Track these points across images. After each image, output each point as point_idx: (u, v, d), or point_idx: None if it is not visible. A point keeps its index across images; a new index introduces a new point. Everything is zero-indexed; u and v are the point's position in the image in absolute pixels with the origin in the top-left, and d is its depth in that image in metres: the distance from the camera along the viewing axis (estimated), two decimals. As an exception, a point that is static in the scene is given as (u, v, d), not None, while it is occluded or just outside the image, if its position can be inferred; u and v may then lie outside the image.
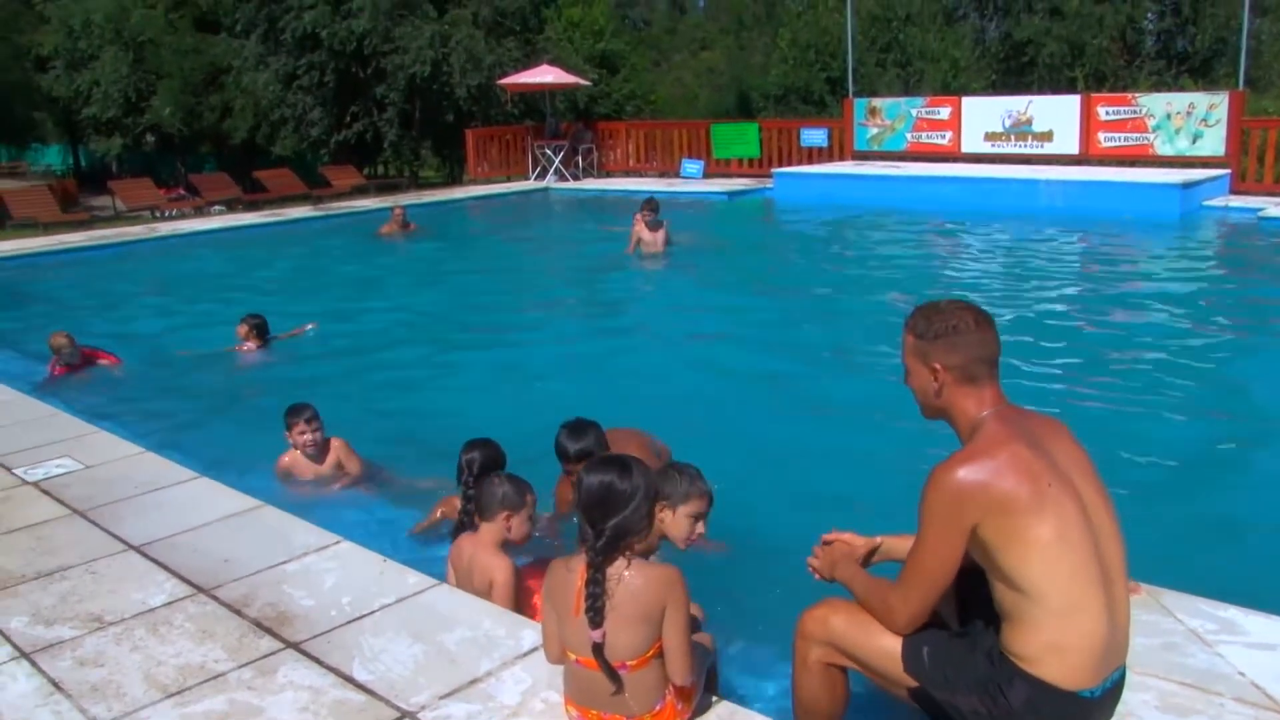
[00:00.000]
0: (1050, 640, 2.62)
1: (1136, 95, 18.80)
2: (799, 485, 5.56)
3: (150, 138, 33.13)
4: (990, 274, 12.37)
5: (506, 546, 3.90)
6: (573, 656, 2.86)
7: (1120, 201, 15.80)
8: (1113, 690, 2.77)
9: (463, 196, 21.87)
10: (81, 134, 37.95)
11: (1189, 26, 27.66)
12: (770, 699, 3.26)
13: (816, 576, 3.11)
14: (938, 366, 2.78)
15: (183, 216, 20.48)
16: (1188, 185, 15.78)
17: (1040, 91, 24.14)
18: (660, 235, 13.05)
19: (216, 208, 21.54)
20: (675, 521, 3.44)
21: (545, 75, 24.03)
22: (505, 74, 25.15)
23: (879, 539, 3.16)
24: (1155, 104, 18.02)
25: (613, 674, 2.80)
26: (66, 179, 34.81)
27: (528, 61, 26.29)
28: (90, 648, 3.58)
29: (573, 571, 2.83)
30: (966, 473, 2.61)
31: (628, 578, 2.78)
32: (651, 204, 13.08)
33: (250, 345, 9.00)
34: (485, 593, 3.81)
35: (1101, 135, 18.39)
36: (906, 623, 2.78)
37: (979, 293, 10.72)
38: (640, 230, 13.07)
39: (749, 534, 4.82)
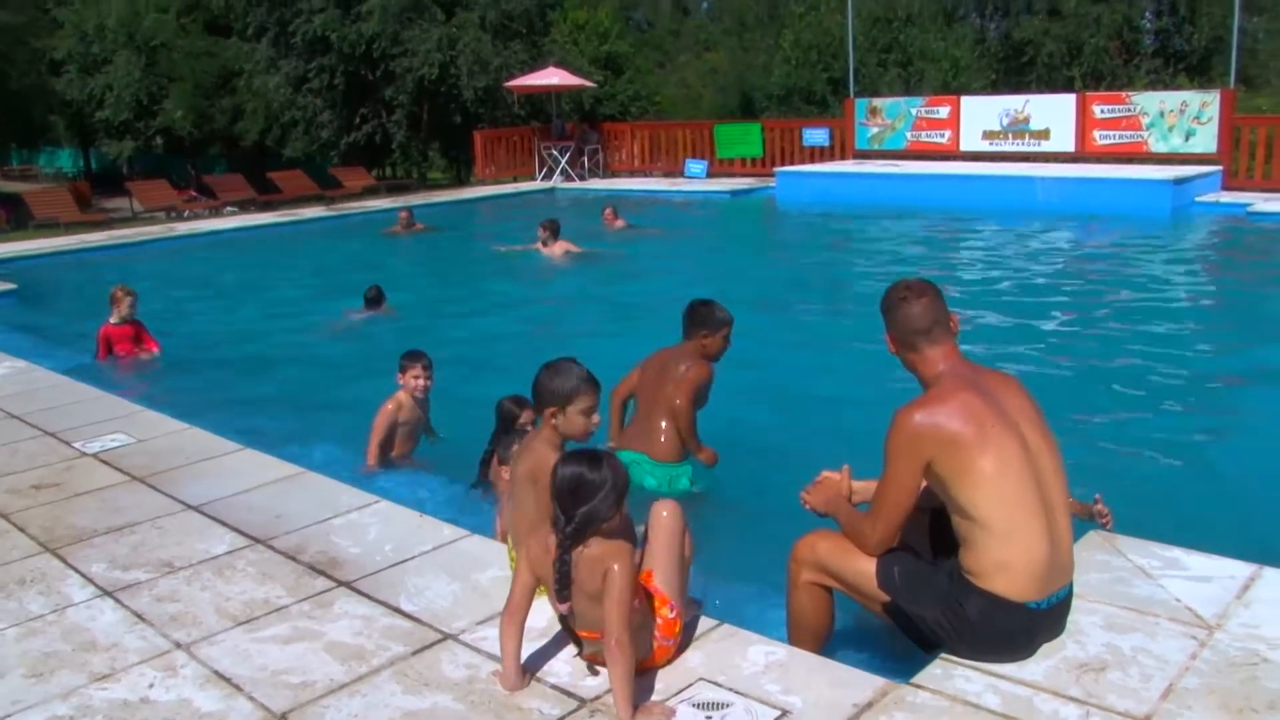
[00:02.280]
0: (998, 559, 3.10)
1: (1130, 94, 19.26)
2: (794, 438, 6.11)
3: (160, 140, 33.65)
4: (986, 267, 12.84)
5: (564, 445, 3.69)
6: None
7: (1114, 198, 16.28)
8: (1059, 606, 3.24)
9: (471, 197, 22.35)
10: (93, 137, 38.44)
11: (1185, 25, 28.10)
12: (767, 621, 3.70)
13: (809, 509, 3.59)
14: (886, 337, 3.36)
15: (197, 217, 20.96)
16: (1179, 181, 16.23)
17: (1039, 90, 24.58)
18: (557, 248, 13.83)
19: (230, 208, 22.01)
20: (570, 420, 3.61)
21: (551, 77, 24.50)
22: (512, 76, 25.61)
23: (859, 483, 3.65)
24: (1149, 102, 18.48)
25: (578, 641, 3.22)
26: (79, 181, 35.27)
27: (534, 64, 26.75)
28: (165, 587, 4.03)
29: (549, 551, 3.14)
30: (921, 416, 3.12)
31: (586, 556, 3.10)
32: (549, 225, 13.94)
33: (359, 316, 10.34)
34: (524, 480, 3.70)
35: (1097, 133, 18.84)
36: (876, 544, 3.28)
37: (975, 285, 11.21)
38: (539, 248, 13.89)
39: (753, 481, 5.49)
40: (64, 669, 3.44)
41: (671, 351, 5.60)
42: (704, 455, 5.56)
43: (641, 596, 3.20)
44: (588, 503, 3.08)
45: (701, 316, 5.53)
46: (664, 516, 3.39)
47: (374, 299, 10.55)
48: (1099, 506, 4.00)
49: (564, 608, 3.15)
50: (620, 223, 16.08)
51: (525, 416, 5.24)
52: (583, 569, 3.10)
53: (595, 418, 3.67)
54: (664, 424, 5.49)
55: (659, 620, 3.26)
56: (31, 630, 3.71)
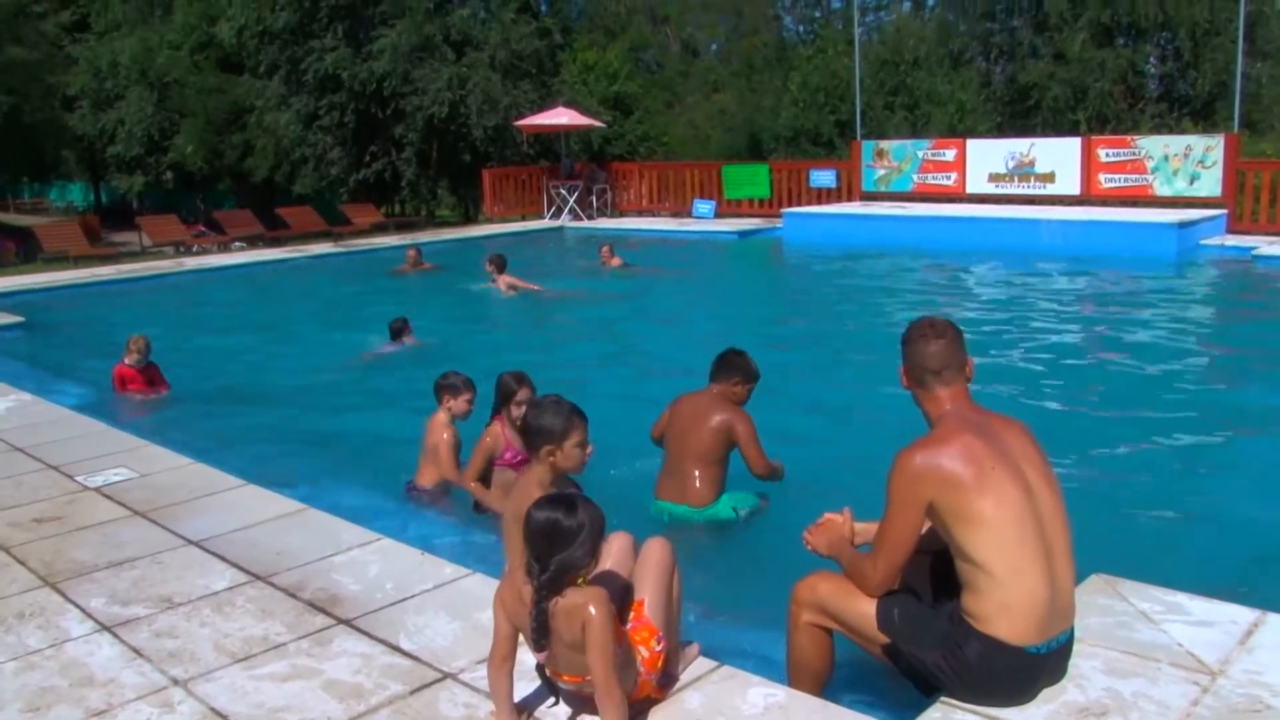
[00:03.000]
0: (999, 602, 3.09)
1: (1135, 138, 19.32)
2: (795, 479, 6.07)
3: (170, 175, 33.89)
4: (991, 309, 12.85)
5: (560, 481, 3.70)
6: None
7: (1119, 241, 16.31)
8: (1060, 651, 3.23)
9: (478, 235, 22.41)
10: (104, 171, 38.73)
11: (1190, 71, 28.21)
12: (767, 663, 3.69)
13: (811, 550, 3.59)
14: (901, 368, 3.36)
15: (206, 252, 21.06)
16: (1184, 225, 16.25)
17: (1044, 134, 24.67)
18: (503, 281, 14.18)
19: (239, 244, 22.10)
20: (566, 455, 3.59)
21: (560, 117, 24.66)
22: (521, 115, 25.77)
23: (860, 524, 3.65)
24: (1154, 146, 18.54)
25: (554, 691, 3.18)
26: (89, 215, 35.51)
27: (543, 103, 26.93)
28: (164, 623, 4.03)
29: (524, 602, 3.07)
30: (922, 457, 3.13)
31: (563, 605, 3.01)
32: (495, 261, 14.37)
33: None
34: (515, 528, 3.63)
35: (1102, 176, 18.89)
36: (877, 585, 3.27)
37: (980, 327, 11.21)
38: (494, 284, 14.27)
39: (753, 522, 5.57)
40: (61, 704, 3.43)
41: (701, 398, 5.67)
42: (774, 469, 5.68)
43: (619, 636, 3.14)
44: (563, 550, 2.99)
45: (736, 365, 5.67)
46: (655, 551, 3.41)
47: (398, 330, 10.66)
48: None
49: (541, 657, 3.12)
50: (616, 261, 16.31)
51: (523, 394, 5.59)
52: (560, 618, 3.03)
53: (590, 448, 3.67)
54: (697, 471, 5.57)
55: (645, 653, 3.24)
56: (30, 664, 3.71)
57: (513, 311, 13.69)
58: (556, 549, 2.98)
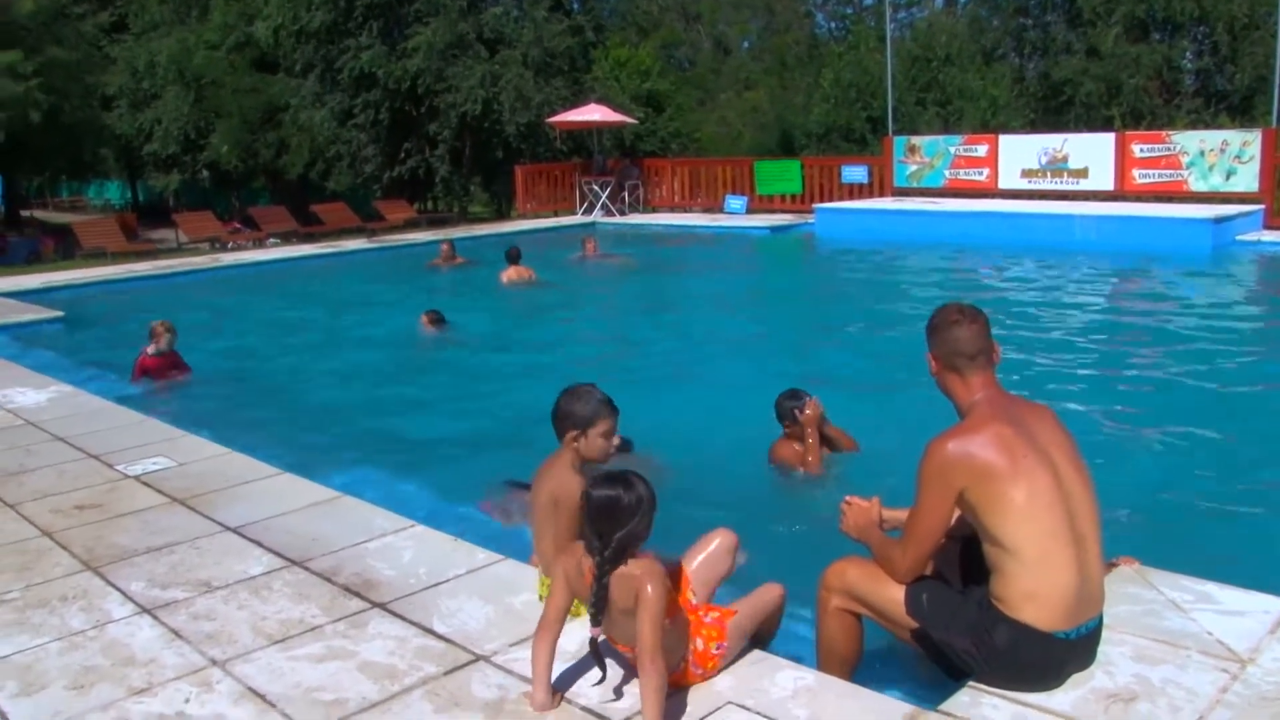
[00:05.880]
0: (1027, 589, 3.10)
1: (1170, 133, 19.17)
2: (827, 469, 6.12)
3: (205, 173, 34.26)
4: (1024, 304, 12.78)
5: (585, 466, 3.80)
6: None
7: (1154, 236, 16.18)
8: (1088, 637, 3.24)
9: (511, 231, 22.48)
10: (141, 169, 39.19)
11: (1227, 65, 27.90)
12: (797, 647, 3.71)
13: (842, 533, 3.62)
14: (929, 355, 3.36)
15: (241, 248, 21.27)
16: (1220, 220, 16.13)
17: (1078, 129, 24.51)
18: (511, 272, 14.88)
19: (273, 240, 22.31)
20: (590, 443, 3.69)
21: (593, 113, 24.73)
22: (554, 112, 25.87)
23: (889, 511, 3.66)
24: (1189, 141, 18.39)
25: (601, 664, 3.22)
26: (126, 213, 35.93)
27: (575, 100, 27.02)
28: (202, 606, 4.10)
29: (584, 574, 3.16)
30: (954, 445, 3.14)
31: (620, 574, 3.11)
32: (511, 254, 15.20)
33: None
34: (547, 508, 3.77)
35: (1136, 172, 18.76)
36: (906, 571, 3.29)
37: (1013, 320, 11.18)
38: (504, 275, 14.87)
39: (781, 508, 5.62)
40: (103, 682, 3.50)
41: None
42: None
43: (672, 610, 3.22)
44: (624, 526, 3.09)
45: (782, 410, 6.12)
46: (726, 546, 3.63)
47: (433, 320, 11.02)
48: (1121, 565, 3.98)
49: (596, 631, 3.17)
50: (593, 249, 17.47)
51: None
52: (617, 588, 3.12)
53: (616, 439, 3.74)
54: None
55: (701, 647, 3.31)
56: (73, 644, 3.79)
57: (539, 306, 13.75)
58: (618, 525, 3.09)
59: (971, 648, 3.19)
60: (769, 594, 3.59)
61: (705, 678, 3.36)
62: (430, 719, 3.22)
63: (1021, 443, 3.13)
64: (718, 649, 3.35)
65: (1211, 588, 3.90)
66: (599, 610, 3.13)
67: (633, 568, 3.11)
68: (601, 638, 3.20)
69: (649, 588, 3.06)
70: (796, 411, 6.00)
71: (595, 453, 3.72)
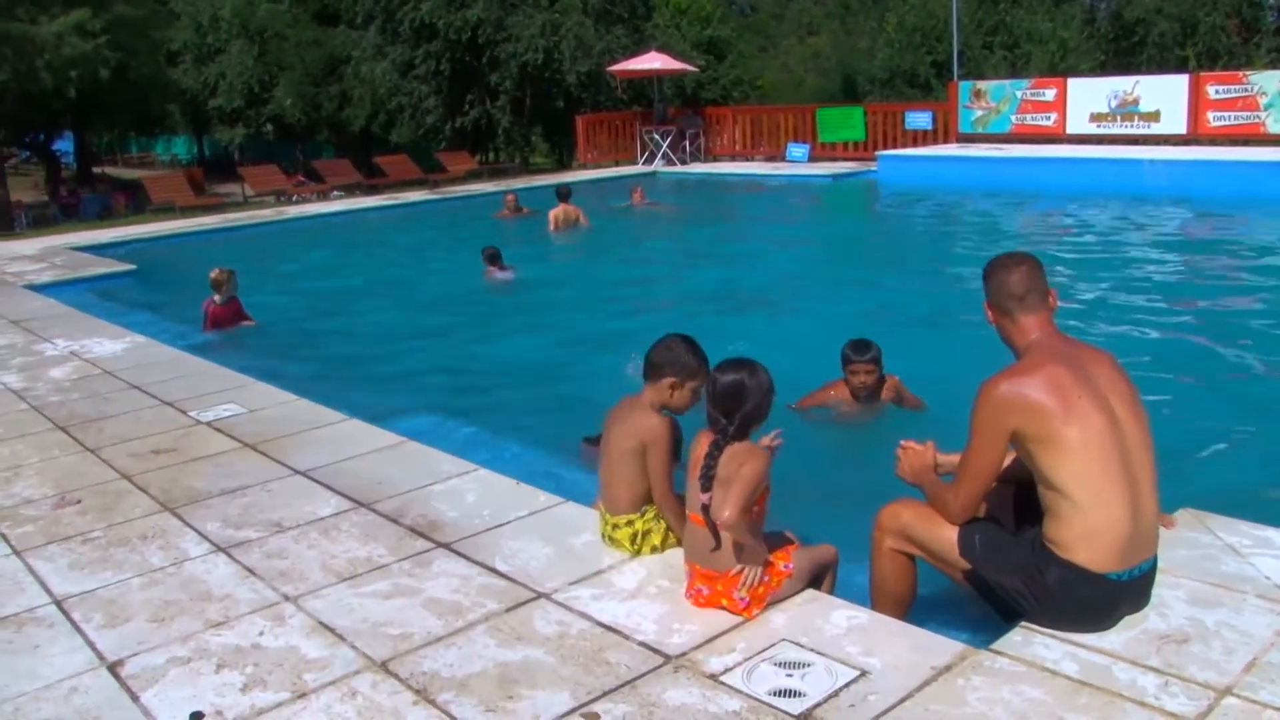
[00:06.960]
0: (1080, 530, 3.12)
1: (1248, 73, 18.67)
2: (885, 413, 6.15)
3: (270, 127, 34.59)
4: (1091, 251, 12.62)
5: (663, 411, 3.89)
6: (689, 513, 3.52)
7: (1228, 181, 15.82)
8: (1141, 579, 3.25)
9: (572, 180, 22.47)
10: (207, 124, 39.64)
11: (1310, 1, 27.09)
12: (851, 588, 3.77)
13: (897, 476, 3.66)
14: (985, 304, 3.40)
15: (306, 201, 21.52)
16: (1299, 163, 15.72)
17: (1150, 71, 23.95)
18: (559, 210, 15.26)
19: (337, 192, 22.54)
20: (682, 394, 3.81)
21: (653, 62, 24.60)
22: (614, 61, 25.76)
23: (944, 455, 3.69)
24: (1268, 81, 17.90)
25: (714, 530, 3.39)
26: (193, 167, 36.44)
27: (636, 48, 26.86)
28: (274, 545, 4.25)
29: (699, 443, 3.50)
30: (1007, 386, 3.16)
31: (729, 450, 3.40)
32: (561, 191, 15.72)
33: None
34: (631, 452, 3.85)
35: (1210, 115, 18.32)
36: (959, 512, 3.33)
37: (1079, 269, 11.05)
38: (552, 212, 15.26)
39: (837, 451, 5.74)
40: (183, 616, 3.66)
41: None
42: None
43: (762, 498, 3.46)
44: (746, 405, 3.41)
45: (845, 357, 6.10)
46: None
47: (492, 257, 11.46)
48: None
49: (705, 497, 3.39)
50: (640, 198, 17.73)
51: None
52: (727, 460, 3.39)
53: (698, 398, 3.84)
54: None
55: (767, 578, 3.46)
56: (153, 580, 3.95)
57: (598, 250, 13.83)
58: (742, 404, 3.41)
59: (1023, 588, 3.23)
60: (825, 552, 3.71)
61: (763, 607, 3.46)
62: (493, 651, 3.33)
63: (1076, 384, 3.14)
64: (785, 566, 3.48)
65: (1271, 533, 3.88)
66: (708, 478, 3.39)
67: (746, 445, 3.43)
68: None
69: (750, 463, 3.35)
70: (850, 375, 6.05)
71: (682, 404, 3.84)
